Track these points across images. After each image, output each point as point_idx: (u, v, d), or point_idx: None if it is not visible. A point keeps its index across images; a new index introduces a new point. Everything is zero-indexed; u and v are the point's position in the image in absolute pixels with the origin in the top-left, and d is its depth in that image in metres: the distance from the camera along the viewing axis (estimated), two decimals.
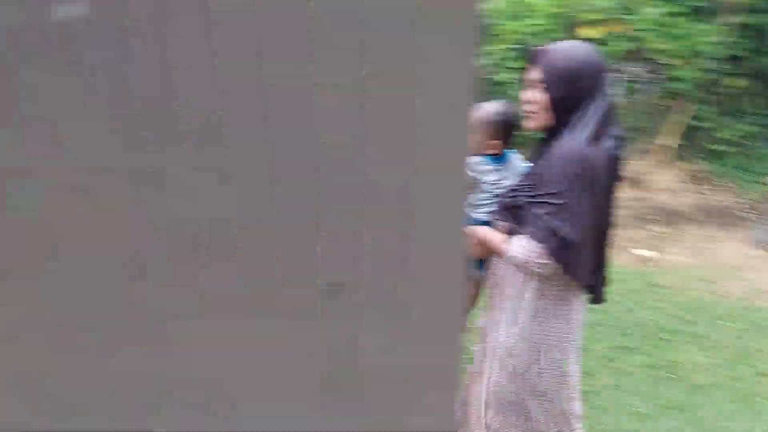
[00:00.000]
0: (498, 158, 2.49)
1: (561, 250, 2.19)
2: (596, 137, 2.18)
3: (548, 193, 2.18)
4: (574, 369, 2.42)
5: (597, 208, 2.21)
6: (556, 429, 2.42)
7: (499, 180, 2.46)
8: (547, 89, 2.22)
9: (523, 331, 2.37)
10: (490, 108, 2.47)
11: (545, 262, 2.18)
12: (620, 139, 2.25)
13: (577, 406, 2.44)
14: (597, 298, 2.42)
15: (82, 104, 0.54)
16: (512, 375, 2.41)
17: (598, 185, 2.18)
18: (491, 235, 2.35)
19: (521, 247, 2.21)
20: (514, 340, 2.38)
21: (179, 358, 0.64)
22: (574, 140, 2.15)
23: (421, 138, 0.59)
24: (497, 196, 2.42)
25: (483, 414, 2.55)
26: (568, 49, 2.26)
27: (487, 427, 2.53)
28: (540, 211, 2.20)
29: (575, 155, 2.14)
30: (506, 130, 2.46)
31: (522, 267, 2.25)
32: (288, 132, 0.56)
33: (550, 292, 2.30)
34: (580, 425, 2.46)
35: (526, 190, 2.25)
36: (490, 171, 2.48)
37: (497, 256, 2.36)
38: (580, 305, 2.35)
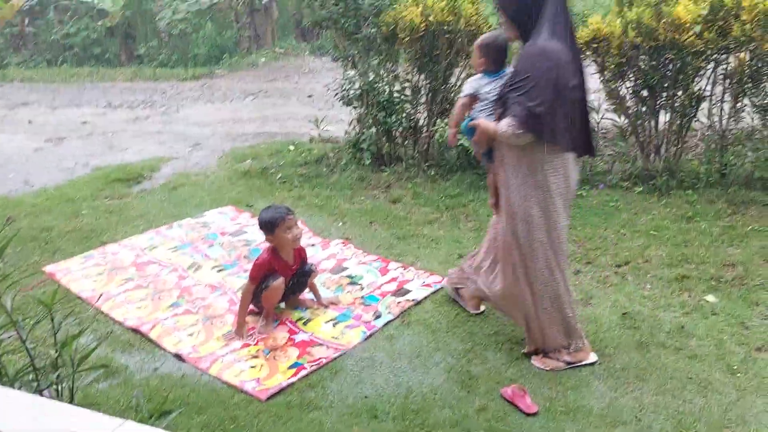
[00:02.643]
0: (494, 73, 3.40)
1: (531, 120, 2.93)
2: (553, 33, 2.93)
3: (519, 80, 2.97)
4: (563, 217, 3.18)
5: (565, 86, 2.93)
6: (543, 258, 3.22)
7: (494, 89, 3.29)
8: (502, 10, 3.12)
9: (522, 185, 3.12)
10: (484, 36, 3.53)
11: (521, 131, 2.97)
12: (573, 28, 3.03)
13: (563, 244, 3.23)
14: (588, 152, 3.28)
15: None
16: (513, 216, 3.20)
17: (563, 69, 2.92)
18: (488, 124, 3.19)
19: (505, 124, 3.00)
20: (516, 192, 3.15)
21: None
22: (536, 40, 2.95)
23: None
24: (494, 101, 3.25)
25: (490, 259, 3.62)
26: None
27: (493, 263, 3.56)
28: (515, 95, 2.99)
29: (536, 49, 2.95)
30: (497, 51, 3.40)
31: (509, 138, 3.01)
32: None
33: (540, 154, 3.04)
34: (564, 258, 3.29)
35: (509, 84, 3.07)
36: (488, 83, 3.36)
37: (496, 140, 3.13)
38: (566, 163, 3.09)
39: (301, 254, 4.10)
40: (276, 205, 4.11)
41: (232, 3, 14.05)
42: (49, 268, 4.73)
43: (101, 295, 4.35)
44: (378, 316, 4.05)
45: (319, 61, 13.21)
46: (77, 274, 4.65)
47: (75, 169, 7.15)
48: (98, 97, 10.99)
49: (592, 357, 3.48)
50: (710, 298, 4.01)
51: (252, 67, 13.00)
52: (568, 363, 3.45)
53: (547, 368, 3.46)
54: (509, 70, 3.31)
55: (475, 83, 3.49)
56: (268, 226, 3.90)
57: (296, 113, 9.28)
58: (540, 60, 2.95)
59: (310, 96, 10.29)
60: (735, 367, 3.38)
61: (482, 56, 3.47)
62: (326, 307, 4.15)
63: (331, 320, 4.04)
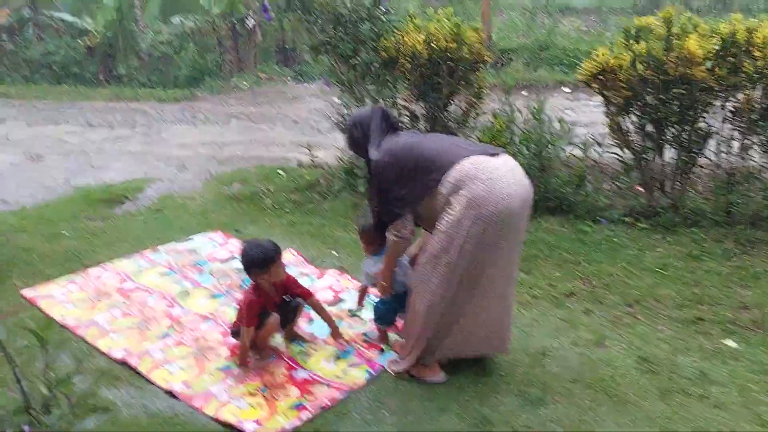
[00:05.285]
0: (381, 252, 3.73)
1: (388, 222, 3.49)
2: (375, 144, 3.47)
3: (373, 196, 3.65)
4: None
5: (387, 190, 3.40)
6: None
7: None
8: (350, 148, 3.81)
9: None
10: (357, 223, 4.05)
11: (394, 238, 3.48)
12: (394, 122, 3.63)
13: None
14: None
15: None
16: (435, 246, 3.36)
17: (385, 173, 3.39)
18: (378, 276, 3.77)
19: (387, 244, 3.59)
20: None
21: None
22: (369, 155, 3.49)
23: None
24: None
25: None
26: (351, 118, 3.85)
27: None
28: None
29: (371, 167, 3.51)
30: (372, 234, 3.76)
31: (398, 249, 3.54)
32: None
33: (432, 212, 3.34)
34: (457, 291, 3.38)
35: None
36: (376, 263, 3.77)
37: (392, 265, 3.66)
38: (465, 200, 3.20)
39: (284, 284, 3.83)
40: (258, 241, 3.76)
41: (216, 26, 13.88)
42: (28, 293, 4.43)
43: (93, 325, 4.07)
44: (382, 353, 3.82)
45: (301, 87, 13.06)
46: (59, 299, 4.36)
47: (54, 187, 6.86)
48: (76, 116, 10.72)
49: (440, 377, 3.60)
50: (730, 342, 3.84)
51: (234, 90, 12.81)
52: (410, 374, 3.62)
53: (391, 369, 3.67)
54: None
55: (365, 271, 3.93)
56: (261, 263, 3.63)
57: (281, 138, 9.09)
58: (372, 179, 3.53)
59: (296, 122, 10.11)
60: (765, 418, 3.20)
61: (366, 242, 3.85)
62: (341, 340, 3.91)
63: (332, 357, 3.80)
